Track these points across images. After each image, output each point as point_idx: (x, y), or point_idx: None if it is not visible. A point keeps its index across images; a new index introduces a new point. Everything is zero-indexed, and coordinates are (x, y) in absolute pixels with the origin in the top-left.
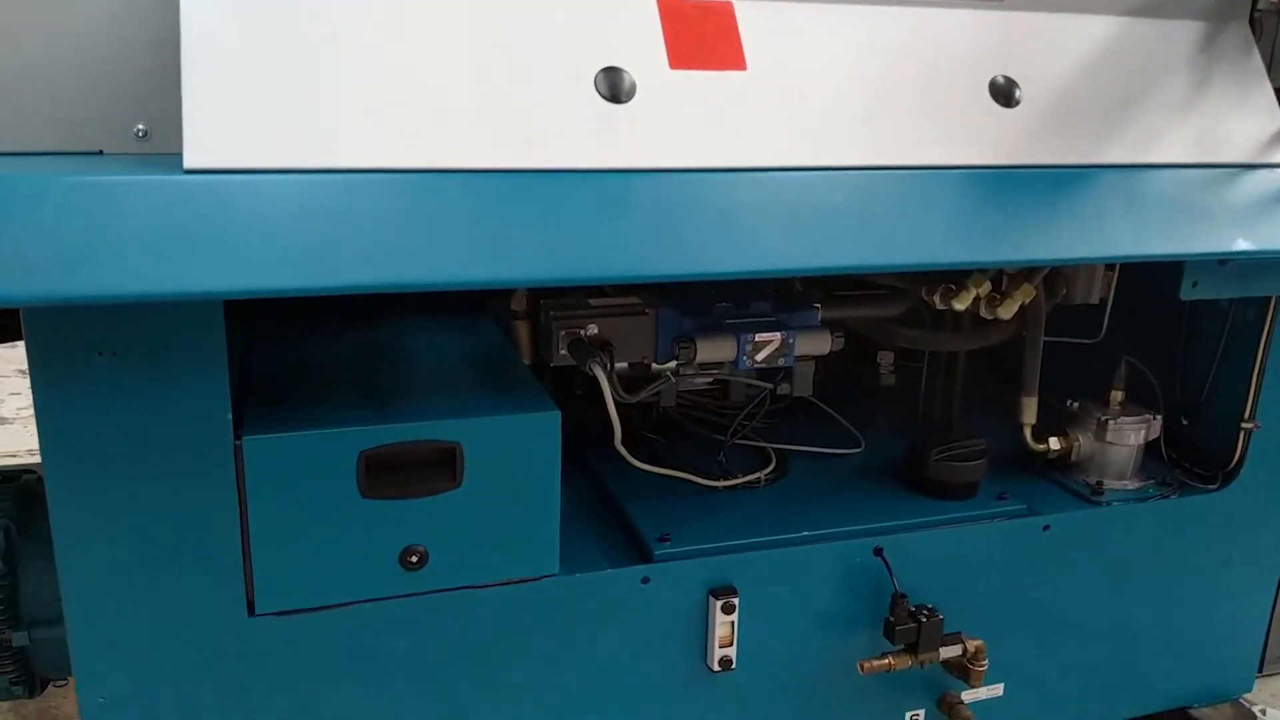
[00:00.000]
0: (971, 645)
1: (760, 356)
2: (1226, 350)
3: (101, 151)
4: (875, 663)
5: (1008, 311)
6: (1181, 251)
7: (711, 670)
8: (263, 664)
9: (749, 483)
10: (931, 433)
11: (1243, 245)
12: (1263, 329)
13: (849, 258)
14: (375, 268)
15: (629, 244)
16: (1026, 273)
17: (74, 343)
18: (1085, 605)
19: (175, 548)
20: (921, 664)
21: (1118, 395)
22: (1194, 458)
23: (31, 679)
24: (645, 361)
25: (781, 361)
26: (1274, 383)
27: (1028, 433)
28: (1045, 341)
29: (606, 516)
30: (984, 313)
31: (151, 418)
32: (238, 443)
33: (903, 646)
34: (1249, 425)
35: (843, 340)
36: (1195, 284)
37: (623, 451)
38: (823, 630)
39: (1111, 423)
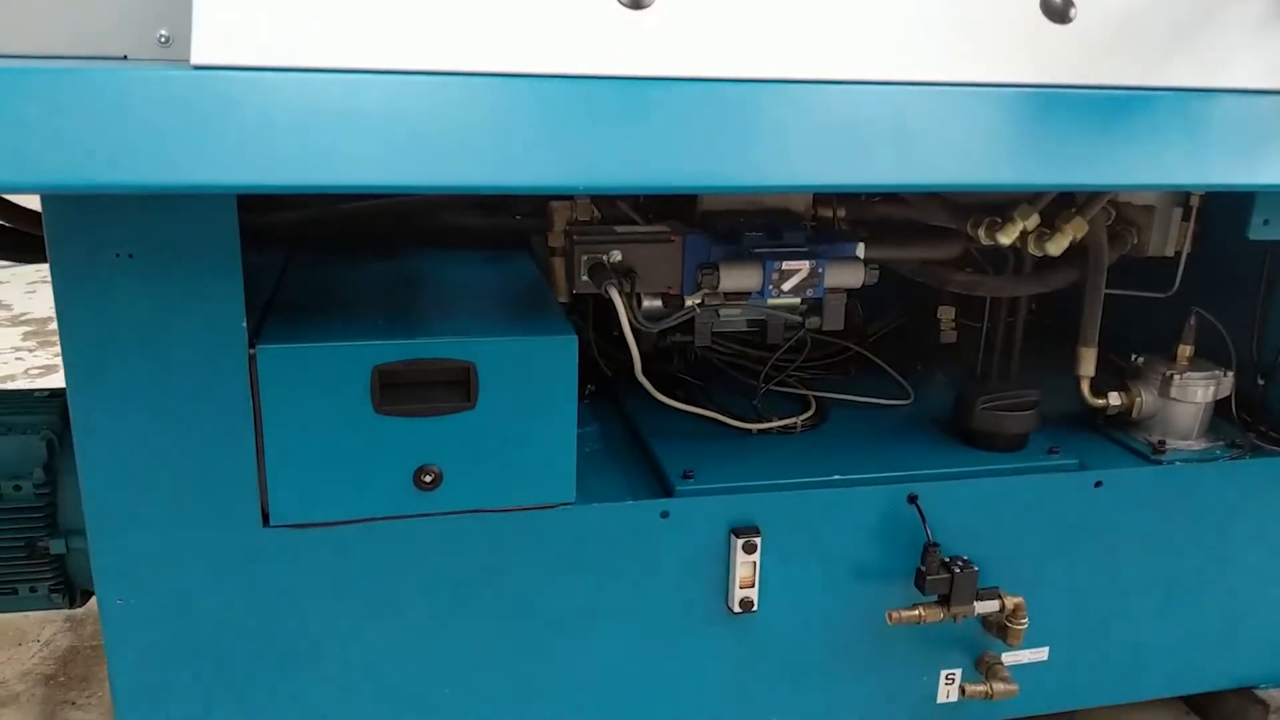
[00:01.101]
0: (1010, 602)
1: (787, 286)
2: None
3: (125, 57)
4: (905, 613)
5: (1057, 247)
6: (1246, 182)
7: (732, 612)
8: (277, 576)
9: (785, 427)
10: (982, 383)
11: None
12: None
13: (881, 175)
14: (378, 168)
15: (638, 152)
16: (1078, 206)
17: (92, 243)
18: (1142, 570)
19: (192, 454)
20: (955, 617)
21: (1186, 350)
22: (1269, 420)
23: (72, 588)
24: (672, 292)
25: (810, 293)
26: None
27: (1085, 386)
28: (1117, 295)
29: (636, 454)
30: (1032, 249)
31: (168, 321)
32: (252, 351)
33: (935, 598)
34: None
35: (877, 273)
36: (1266, 222)
37: (644, 382)
38: (852, 578)
39: (1176, 378)
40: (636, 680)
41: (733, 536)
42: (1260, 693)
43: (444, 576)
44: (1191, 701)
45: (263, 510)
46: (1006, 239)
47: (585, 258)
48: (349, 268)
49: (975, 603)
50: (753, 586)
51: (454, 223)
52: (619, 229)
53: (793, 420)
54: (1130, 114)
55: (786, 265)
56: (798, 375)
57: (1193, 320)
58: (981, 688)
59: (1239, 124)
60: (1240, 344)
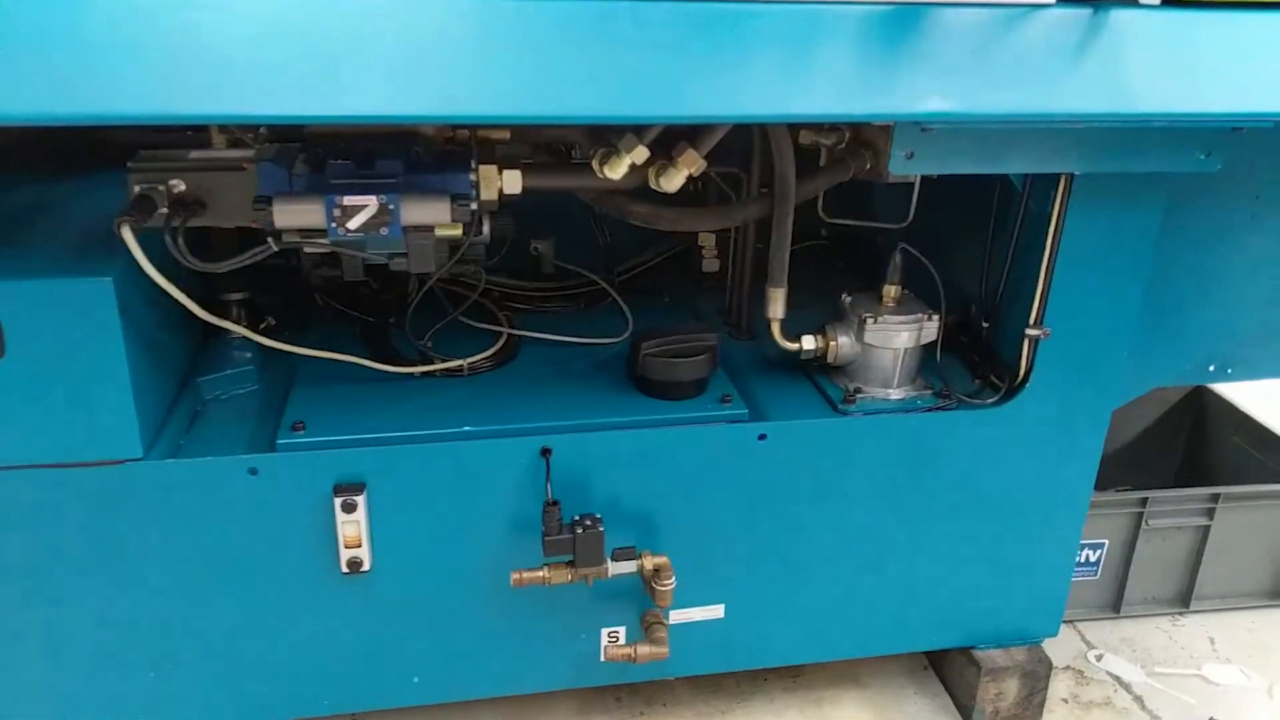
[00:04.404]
0: (652, 562)
1: (353, 224)
2: (1019, 244)
3: None
4: (529, 574)
5: (671, 184)
6: (852, 112)
7: (343, 573)
8: None
9: (450, 370)
10: (662, 327)
11: (940, 106)
12: (1051, 220)
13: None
14: None
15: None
16: (690, 138)
17: None
18: (824, 527)
19: None
20: (586, 579)
21: (891, 290)
22: (994, 364)
23: None
24: (256, 226)
25: (384, 232)
26: (1069, 285)
27: (776, 329)
28: (858, 227)
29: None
30: (653, 184)
31: None
32: None
33: (570, 558)
34: (1035, 332)
35: (469, 210)
36: (910, 155)
37: (207, 316)
38: (488, 536)
39: (870, 322)
40: (251, 647)
41: (334, 495)
42: (978, 653)
43: (5, 534)
44: (931, 654)
45: None
46: (614, 174)
47: (137, 188)
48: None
49: (610, 563)
50: (360, 546)
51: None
52: (193, 154)
53: (459, 363)
54: (711, 33)
55: (349, 201)
56: (511, 309)
57: (898, 258)
58: (625, 650)
59: (848, 42)
60: (973, 282)
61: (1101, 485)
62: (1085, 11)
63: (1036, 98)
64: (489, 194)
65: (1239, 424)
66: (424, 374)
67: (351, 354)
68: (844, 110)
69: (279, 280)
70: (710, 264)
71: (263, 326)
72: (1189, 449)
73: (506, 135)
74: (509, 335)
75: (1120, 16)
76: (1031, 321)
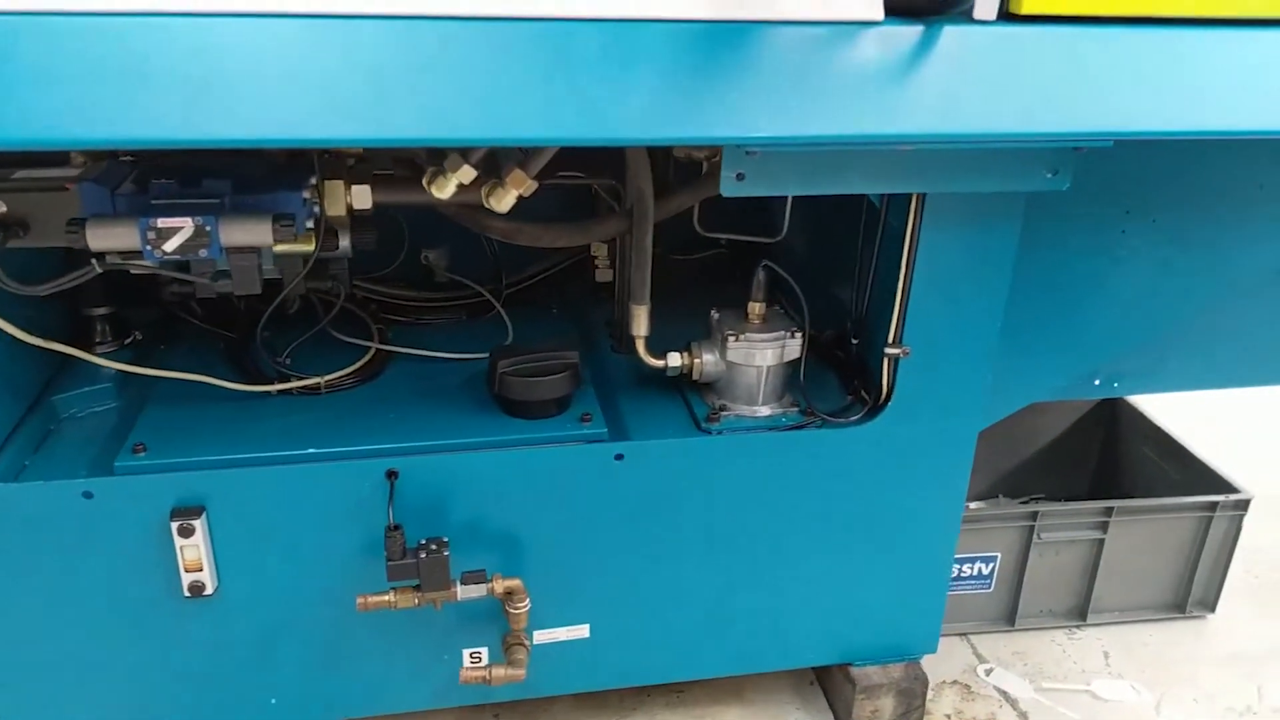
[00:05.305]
0: (503, 585)
1: (169, 247)
2: (881, 260)
3: None
4: (374, 599)
5: (501, 204)
6: (667, 135)
7: (185, 596)
8: None
9: (307, 388)
10: (521, 344)
11: (762, 130)
12: (906, 237)
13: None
14: None
15: None
16: (521, 159)
17: None
18: (694, 546)
19: None
20: (433, 603)
21: (756, 307)
22: (866, 381)
23: None
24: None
25: (204, 254)
26: (927, 302)
27: (641, 346)
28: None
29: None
30: (485, 204)
31: None
32: None
33: (416, 583)
34: (894, 351)
35: (293, 230)
36: (740, 177)
37: (34, 341)
38: (339, 560)
39: (733, 339)
40: (95, 672)
41: (170, 518)
42: (854, 670)
43: None
44: (817, 670)
45: None
46: (441, 193)
47: None
48: None
49: (458, 587)
50: (201, 570)
51: None
52: (18, 174)
53: (316, 380)
54: (526, 49)
55: (163, 223)
56: (390, 321)
57: (761, 274)
58: (480, 673)
59: (669, 64)
60: (847, 298)
61: (1012, 493)
62: (916, 29)
63: (863, 119)
64: (336, 209)
65: (1148, 435)
66: (280, 392)
67: (214, 371)
68: (658, 134)
69: (149, 294)
70: (604, 275)
71: (128, 342)
72: (1102, 459)
73: (359, 150)
74: (376, 350)
75: (952, 33)
76: (890, 340)
